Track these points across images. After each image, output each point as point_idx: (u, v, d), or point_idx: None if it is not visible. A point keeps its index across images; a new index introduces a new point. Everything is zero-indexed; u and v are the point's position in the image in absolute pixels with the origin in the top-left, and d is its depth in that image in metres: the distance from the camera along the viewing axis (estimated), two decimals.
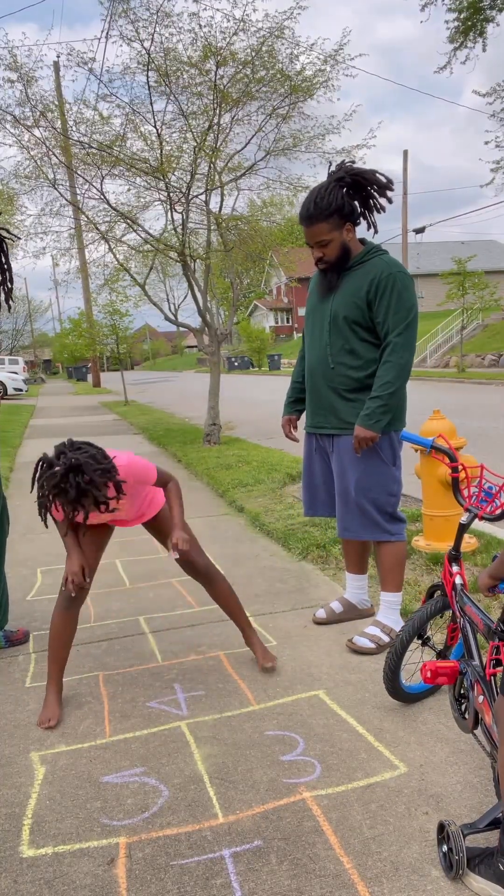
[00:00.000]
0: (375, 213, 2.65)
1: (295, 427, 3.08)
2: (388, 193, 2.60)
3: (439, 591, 2.15)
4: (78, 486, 2.04)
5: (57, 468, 2.06)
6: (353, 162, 2.64)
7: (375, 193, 2.59)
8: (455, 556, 2.05)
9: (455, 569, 2.02)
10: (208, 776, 1.95)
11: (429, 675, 1.83)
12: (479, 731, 1.78)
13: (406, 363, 2.53)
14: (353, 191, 2.56)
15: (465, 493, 2.08)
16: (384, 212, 2.66)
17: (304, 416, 3.03)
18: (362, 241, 2.67)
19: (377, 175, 2.56)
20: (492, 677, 1.66)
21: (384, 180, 2.56)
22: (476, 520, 1.99)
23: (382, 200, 2.62)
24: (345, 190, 2.54)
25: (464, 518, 1.98)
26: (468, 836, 1.52)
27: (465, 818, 1.71)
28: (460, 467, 2.15)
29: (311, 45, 7.67)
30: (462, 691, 1.92)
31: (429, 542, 3.80)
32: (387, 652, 2.17)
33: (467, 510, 1.99)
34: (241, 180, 8.58)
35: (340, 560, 3.76)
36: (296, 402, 3.03)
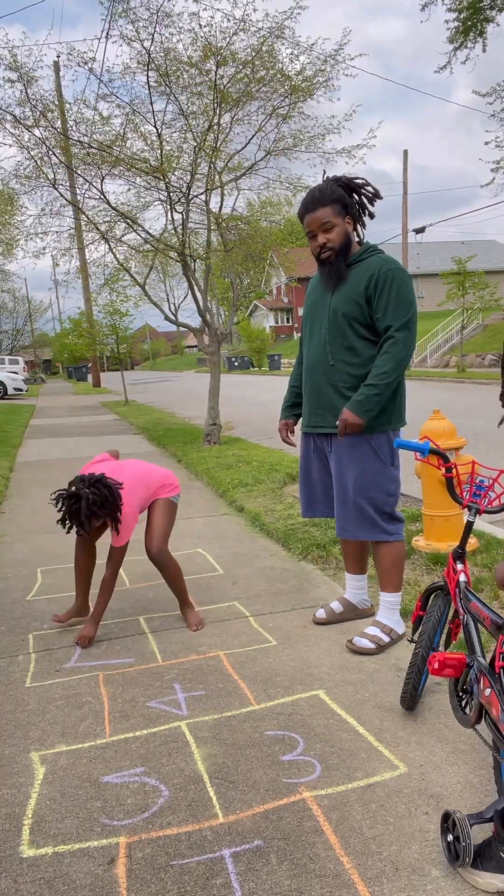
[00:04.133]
0: (361, 223, 2.70)
1: (292, 431, 3.08)
2: (372, 207, 2.67)
3: (437, 593, 2.16)
4: (70, 511, 2.71)
5: (72, 488, 2.73)
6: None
7: (365, 202, 2.65)
8: (460, 554, 2.06)
9: (459, 566, 2.03)
10: (208, 776, 1.95)
11: (436, 666, 1.83)
12: (479, 726, 1.78)
13: (404, 358, 2.54)
14: (347, 195, 2.63)
15: (462, 490, 2.08)
16: (372, 218, 2.71)
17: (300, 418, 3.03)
18: (359, 242, 2.70)
19: (368, 184, 2.64)
20: (501, 670, 1.66)
21: (373, 190, 2.64)
22: (479, 514, 2.00)
23: (370, 208, 2.68)
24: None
25: (469, 515, 1.99)
26: (473, 827, 1.53)
27: None
28: (453, 467, 2.14)
29: (311, 45, 7.68)
30: (465, 686, 1.92)
31: (429, 542, 3.80)
32: (407, 674, 2.18)
33: (467, 507, 1.99)
34: (241, 180, 8.58)
35: (340, 560, 3.76)
36: (293, 407, 3.04)
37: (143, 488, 2.97)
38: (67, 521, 2.77)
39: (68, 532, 2.86)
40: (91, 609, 3.11)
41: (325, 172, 2.70)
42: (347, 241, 2.61)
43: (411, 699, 2.18)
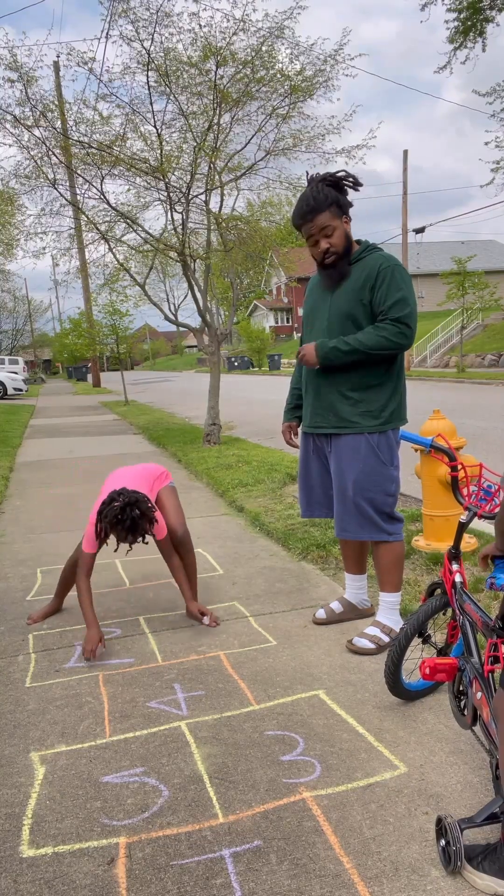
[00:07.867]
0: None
1: (295, 433, 3.07)
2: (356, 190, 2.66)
3: (439, 589, 2.16)
4: (132, 518, 2.64)
5: (116, 503, 2.64)
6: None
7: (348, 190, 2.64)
8: (455, 555, 2.06)
9: (455, 567, 2.02)
10: (208, 776, 1.95)
11: (427, 671, 1.83)
12: (477, 728, 1.78)
13: (387, 346, 2.51)
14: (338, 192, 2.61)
15: (465, 492, 2.08)
16: (354, 198, 2.70)
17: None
18: (358, 241, 2.69)
19: (348, 175, 2.62)
20: (490, 674, 1.66)
21: (352, 180, 2.63)
22: (475, 518, 1.99)
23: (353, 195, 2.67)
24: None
25: (463, 517, 1.99)
26: (466, 831, 1.53)
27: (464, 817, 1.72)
28: (459, 466, 2.15)
29: (310, 45, 7.68)
30: (461, 688, 1.92)
31: (429, 542, 3.80)
32: (388, 649, 2.18)
33: (467, 509, 1.99)
34: (241, 180, 8.58)
35: (340, 560, 3.76)
36: (295, 409, 3.03)
37: (147, 488, 3.04)
38: (123, 534, 2.70)
39: (102, 546, 2.84)
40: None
41: (307, 173, 2.68)
42: (349, 242, 2.62)
43: (392, 676, 2.16)
